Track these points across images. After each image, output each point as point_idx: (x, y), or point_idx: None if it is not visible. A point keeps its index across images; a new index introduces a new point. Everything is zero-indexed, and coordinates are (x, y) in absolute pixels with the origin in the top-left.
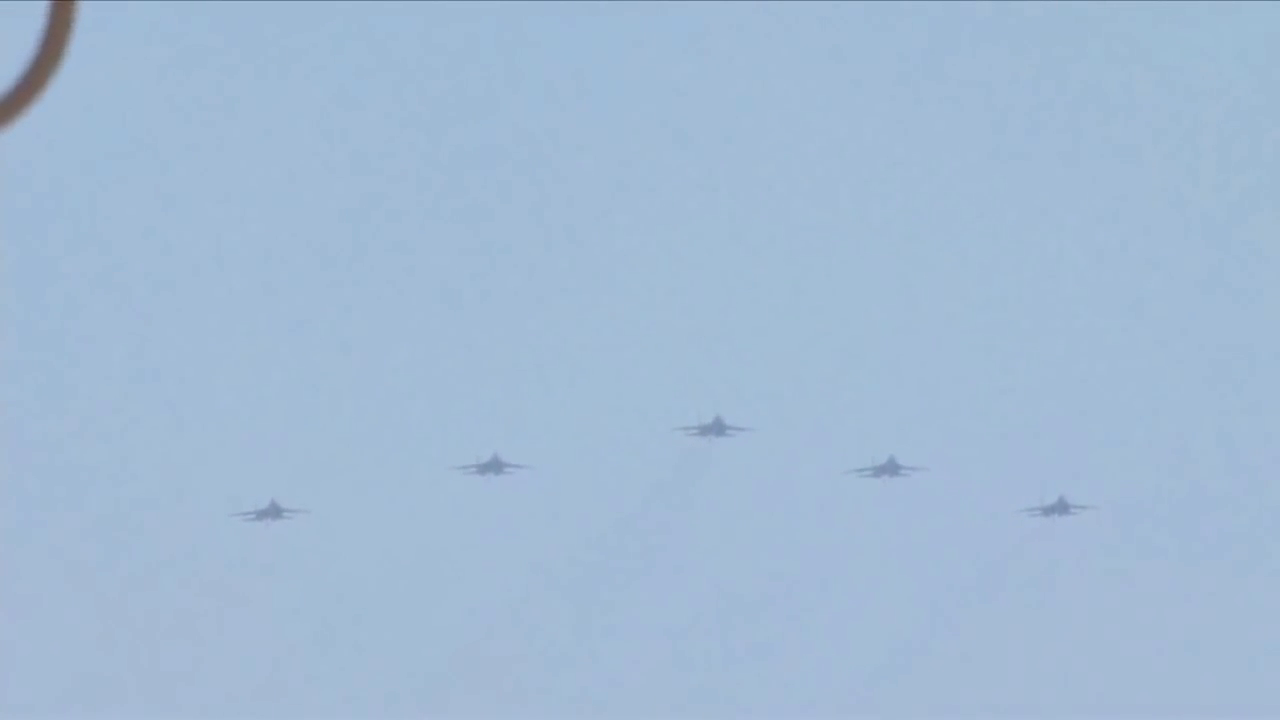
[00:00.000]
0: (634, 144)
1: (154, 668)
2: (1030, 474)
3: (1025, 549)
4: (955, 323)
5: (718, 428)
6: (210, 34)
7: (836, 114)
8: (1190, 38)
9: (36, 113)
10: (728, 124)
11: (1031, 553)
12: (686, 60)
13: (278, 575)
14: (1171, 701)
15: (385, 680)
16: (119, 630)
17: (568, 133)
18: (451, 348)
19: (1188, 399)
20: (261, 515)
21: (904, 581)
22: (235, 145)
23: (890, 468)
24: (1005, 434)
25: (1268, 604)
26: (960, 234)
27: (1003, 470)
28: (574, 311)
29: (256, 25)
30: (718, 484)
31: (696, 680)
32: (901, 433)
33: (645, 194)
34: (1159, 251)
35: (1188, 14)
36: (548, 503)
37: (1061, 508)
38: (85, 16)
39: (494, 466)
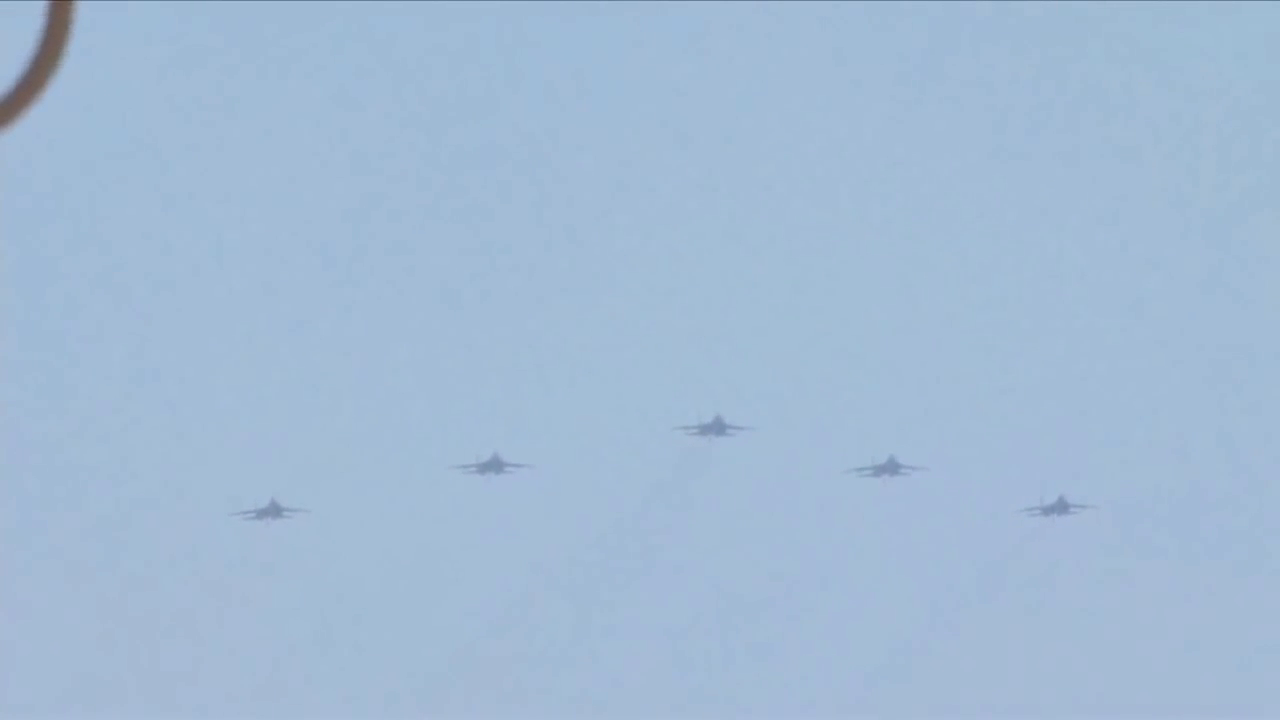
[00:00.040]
0: (634, 144)
1: (154, 668)
2: (1030, 474)
3: (1025, 549)
4: (955, 322)
5: (718, 427)
6: (210, 34)
7: (836, 114)
8: (1190, 38)
9: (36, 113)
10: (728, 124)
11: (1031, 553)
12: (686, 60)
13: (278, 575)
14: (1171, 701)
15: (385, 680)
16: (119, 630)
17: (568, 133)
18: (451, 348)
19: (1188, 399)
20: (261, 515)
21: (904, 581)
22: (235, 145)
23: (890, 467)
24: (1005, 434)
25: (1268, 604)
26: (960, 234)
27: (1003, 470)
28: (574, 311)
29: (256, 25)
30: (718, 484)
31: (696, 680)
32: (901, 432)
33: (645, 194)
34: (1159, 251)
35: (1188, 14)
36: (548, 503)
37: (1061, 508)
38: (84, 17)
39: (494, 466)
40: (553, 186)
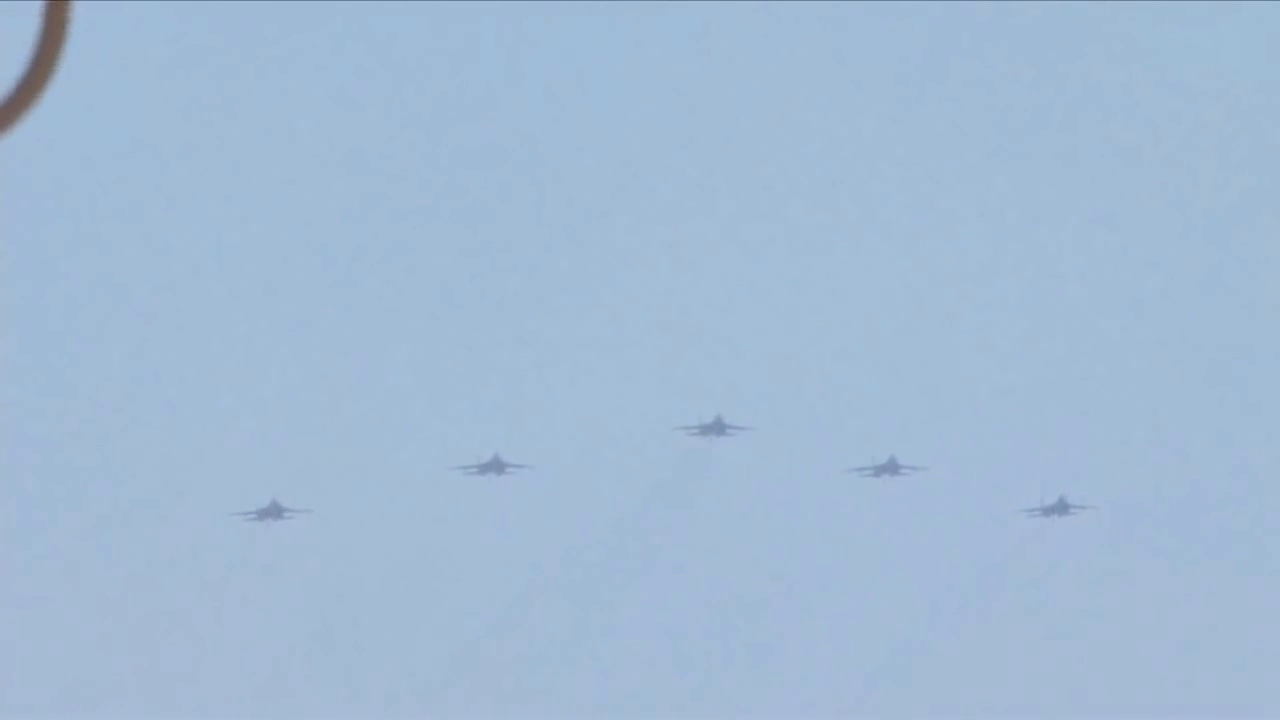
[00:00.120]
0: (634, 144)
1: (154, 668)
2: (1030, 474)
3: (1025, 549)
4: (955, 322)
5: (718, 427)
6: (210, 34)
7: (836, 114)
8: (1190, 38)
9: (36, 113)
10: (728, 124)
11: (1031, 553)
12: (686, 60)
13: (278, 575)
14: (1171, 701)
15: (385, 680)
16: (119, 630)
17: (568, 133)
18: (451, 348)
19: (1188, 399)
20: (262, 515)
21: (904, 581)
22: (235, 145)
23: (890, 467)
24: (1005, 434)
25: (1268, 604)
26: (960, 234)
27: (1003, 470)
28: (574, 312)
29: (256, 25)
30: (718, 484)
31: (696, 680)
32: (902, 432)
33: (645, 194)
34: (1159, 251)
35: (1188, 14)
36: (548, 503)
37: (1061, 508)
38: (82, 17)
39: (495, 466)
40: (553, 186)
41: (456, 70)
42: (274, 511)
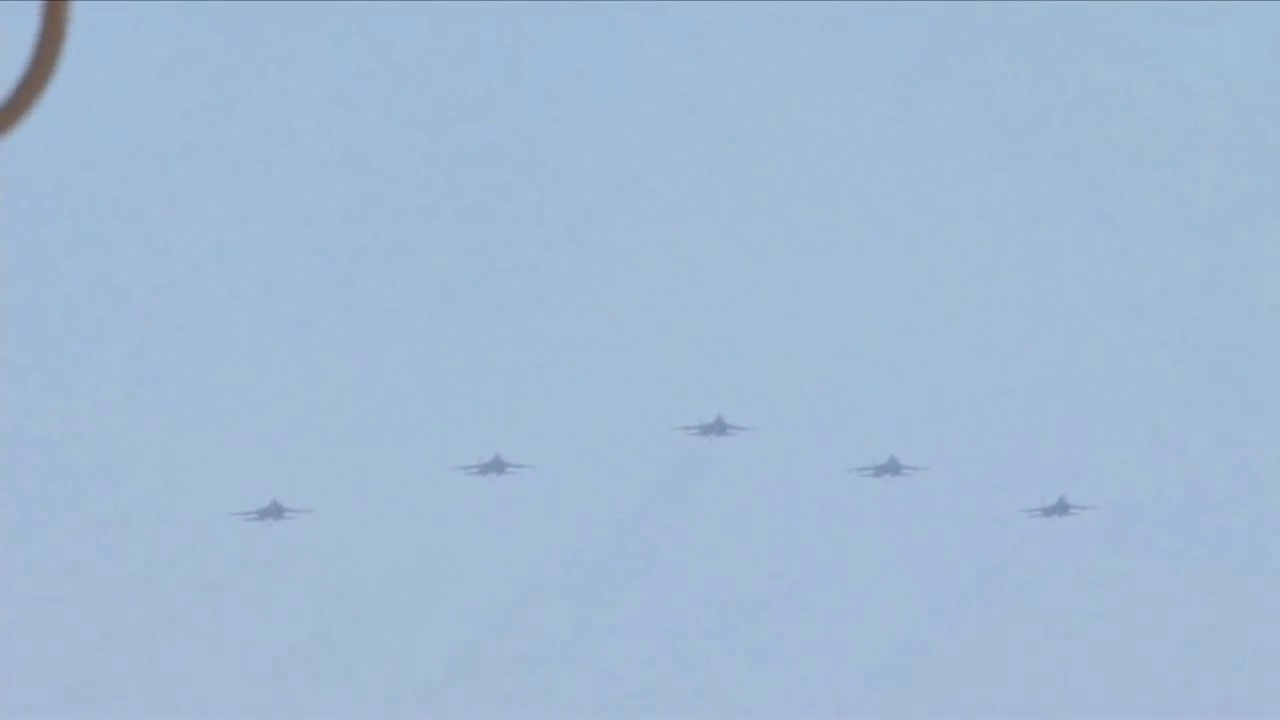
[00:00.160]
0: (634, 144)
1: (154, 668)
2: (1030, 474)
3: (1025, 549)
4: (955, 322)
5: (718, 427)
6: (210, 34)
7: (837, 114)
8: (1190, 38)
9: (36, 113)
10: (728, 124)
11: (1031, 553)
12: (686, 60)
13: (278, 575)
14: (1171, 701)
15: (385, 680)
16: (119, 630)
17: (568, 133)
18: (451, 348)
19: (1188, 399)
20: (263, 515)
21: (904, 581)
22: (235, 145)
23: (891, 467)
24: (1005, 434)
25: (1268, 604)
26: (960, 234)
27: (1003, 470)
28: (574, 311)
29: (256, 25)
30: (718, 484)
31: (696, 680)
32: (902, 432)
33: (645, 194)
34: (1159, 251)
35: (1188, 14)
36: (549, 503)
37: (1061, 508)
38: (82, 17)
39: (495, 466)
40: (553, 186)
41: (456, 70)
42: (274, 511)
